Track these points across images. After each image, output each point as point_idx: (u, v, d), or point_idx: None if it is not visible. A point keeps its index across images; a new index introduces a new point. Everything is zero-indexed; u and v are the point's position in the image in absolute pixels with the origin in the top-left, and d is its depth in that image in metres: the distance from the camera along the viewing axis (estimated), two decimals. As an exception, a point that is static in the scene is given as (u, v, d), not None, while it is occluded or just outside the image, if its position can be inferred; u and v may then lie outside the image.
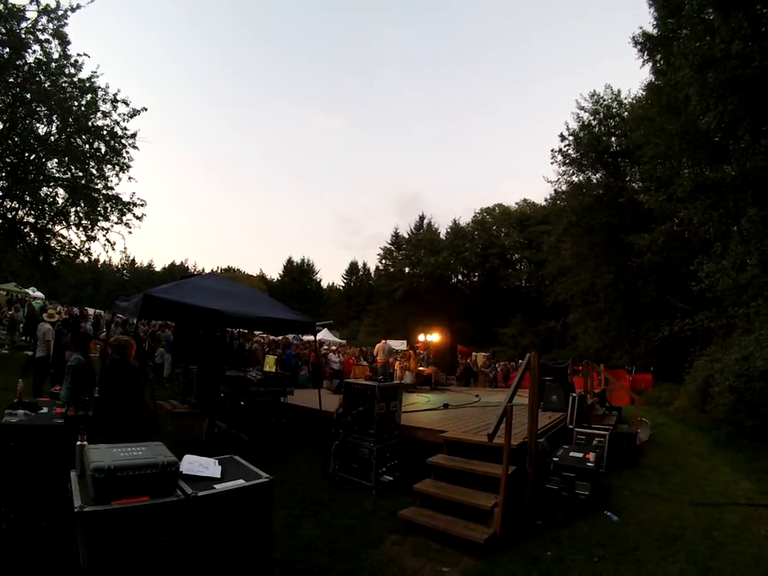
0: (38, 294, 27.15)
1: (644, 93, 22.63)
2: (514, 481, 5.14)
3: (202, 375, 9.01)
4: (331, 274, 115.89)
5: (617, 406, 12.20)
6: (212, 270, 67.71)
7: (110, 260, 53.77)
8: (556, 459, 5.73)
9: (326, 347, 17.82)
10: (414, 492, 5.38)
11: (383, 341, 15.67)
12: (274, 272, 74.25)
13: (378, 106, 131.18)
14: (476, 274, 51.71)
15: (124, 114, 17.23)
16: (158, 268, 73.90)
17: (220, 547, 2.95)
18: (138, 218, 17.93)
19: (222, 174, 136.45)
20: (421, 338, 19.14)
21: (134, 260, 71.61)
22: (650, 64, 18.69)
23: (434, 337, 18.96)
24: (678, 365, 16.89)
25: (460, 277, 53.84)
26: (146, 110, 17.64)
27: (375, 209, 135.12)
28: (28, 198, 16.06)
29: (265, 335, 17.43)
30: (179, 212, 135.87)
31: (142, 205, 17.99)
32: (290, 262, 69.74)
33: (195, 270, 70.80)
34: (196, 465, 3.26)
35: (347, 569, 4.18)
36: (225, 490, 3.02)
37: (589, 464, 5.55)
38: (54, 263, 17.86)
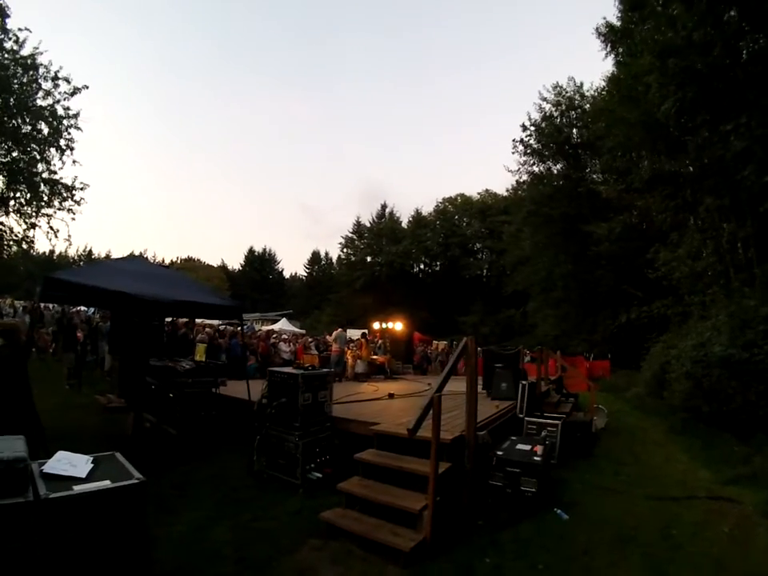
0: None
1: (605, 85, 22.76)
2: (451, 478, 4.59)
3: (126, 366, 8.59)
4: (294, 264, 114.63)
5: (573, 393, 12.01)
6: (171, 261, 65.77)
7: (65, 251, 51.53)
8: (500, 453, 5.16)
9: (274, 337, 17.01)
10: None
11: (339, 329, 14.98)
12: (235, 262, 72.39)
13: (343, 94, 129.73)
14: (437, 263, 52.09)
15: (65, 93, 16.46)
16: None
17: (79, 556, 2.59)
18: (77, 202, 17.34)
19: (182, 161, 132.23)
20: (376, 325, 18.54)
21: (90, 251, 68.63)
22: (613, 56, 18.89)
23: (391, 325, 18.39)
24: (636, 352, 17.03)
25: (421, 266, 54.01)
26: (87, 87, 17.01)
27: (339, 198, 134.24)
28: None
29: (217, 324, 16.72)
30: (140, 202, 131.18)
31: (82, 188, 17.38)
32: (251, 251, 68.05)
33: (154, 260, 68.69)
34: (63, 462, 2.92)
35: (253, 580, 3.61)
36: (83, 492, 2.66)
37: (536, 458, 5.02)
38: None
